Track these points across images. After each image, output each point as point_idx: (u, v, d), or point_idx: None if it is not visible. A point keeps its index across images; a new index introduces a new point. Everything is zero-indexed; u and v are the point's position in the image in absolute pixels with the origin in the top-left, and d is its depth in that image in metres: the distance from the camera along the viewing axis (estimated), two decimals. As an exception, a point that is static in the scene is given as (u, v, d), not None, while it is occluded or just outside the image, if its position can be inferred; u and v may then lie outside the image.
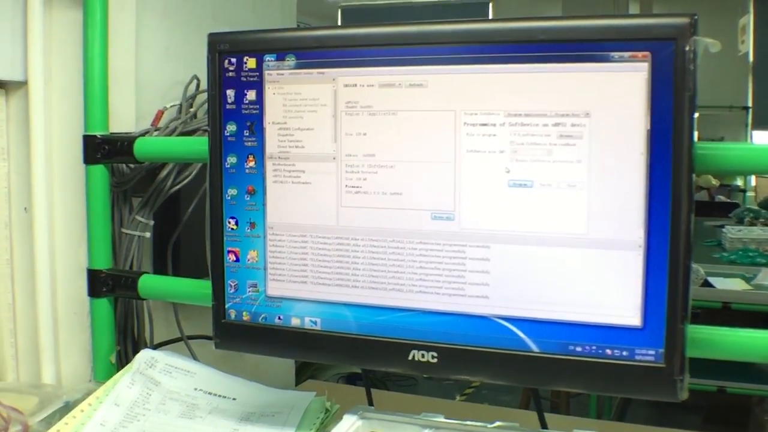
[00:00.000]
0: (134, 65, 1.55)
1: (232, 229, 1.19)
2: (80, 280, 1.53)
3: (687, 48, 0.93)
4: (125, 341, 1.56)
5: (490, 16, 10.45)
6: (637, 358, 1.00)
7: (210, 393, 1.35)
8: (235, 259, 1.20)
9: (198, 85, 1.62)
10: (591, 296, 1.01)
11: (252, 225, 1.18)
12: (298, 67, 1.13)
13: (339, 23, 11.16)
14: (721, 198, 8.09)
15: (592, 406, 3.93)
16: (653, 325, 0.99)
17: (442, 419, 1.21)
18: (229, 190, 1.18)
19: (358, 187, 1.11)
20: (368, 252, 1.12)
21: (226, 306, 1.21)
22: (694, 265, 3.05)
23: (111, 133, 1.49)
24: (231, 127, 1.17)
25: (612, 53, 0.97)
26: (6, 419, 1.26)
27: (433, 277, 1.09)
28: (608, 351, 1.01)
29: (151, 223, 1.53)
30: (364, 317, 1.13)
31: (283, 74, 1.14)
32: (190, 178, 1.51)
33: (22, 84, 1.52)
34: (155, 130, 1.53)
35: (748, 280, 3.53)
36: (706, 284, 3.42)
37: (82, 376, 1.57)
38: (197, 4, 1.72)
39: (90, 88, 1.48)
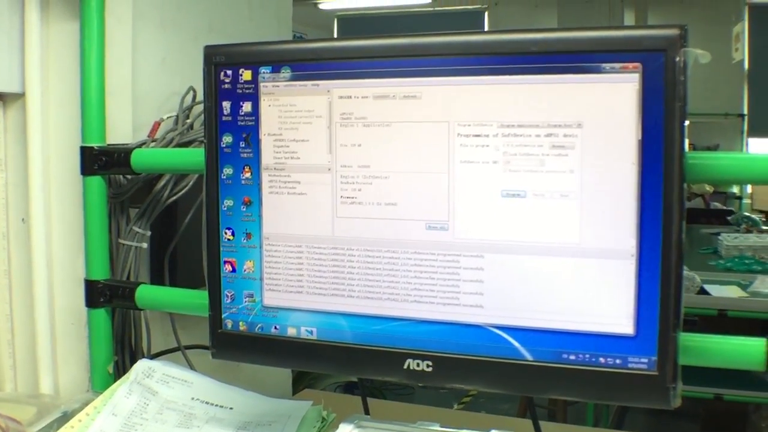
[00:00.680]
0: (131, 76, 1.56)
1: (229, 239, 1.20)
2: (78, 291, 1.53)
3: (677, 59, 0.94)
4: (123, 351, 1.56)
5: (486, 25, 10.50)
6: (630, 366, 1.01)
7: (207, 402, 1.36)
8: (231, 269, 1.20)
9: (194, 96, 1.63)
10: (584, 305, 1.02)
11: (248, 235, 1.19)
12: (293, 79, 1.14)
13: (335, 32, 11.19)
14: (717, 205, 8.09)
15: (590, 414, 3.93)
16: (646, 334, 0.99)
17: (437, 428, 1.22)
18: (225, 201, 1.19)
19: (353, 197, 1.12)
20: (363, 262, 1.13)
21: (223, 316, 1.22)
22: (690, 273, 3.06)
23: (108, 145, 1.49)
24: (227, 139, 1.18)
25: (603, 64, 0.98)
26: (4, 429, 1.27)
27: (427, 286, 1.10)
28: (601, 359, 1.02)
29: (148, 233, 1.54)
30: (359, 327, 1.14)
31: (278, 86, 1.15)
32: (186, 189, 1.52)
33: (20, 95, 1.53)
34: (152, 142, 1.53)
35: (744, 287, 3.53)
36: (702, 292, 3.42)
37: (79, 386, 1.57)
38: (194, 16, 1.73)
39: (87, 100, 1.49)
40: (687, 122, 0.96)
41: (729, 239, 4.34)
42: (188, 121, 1.60)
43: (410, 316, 1.11)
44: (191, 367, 1.50)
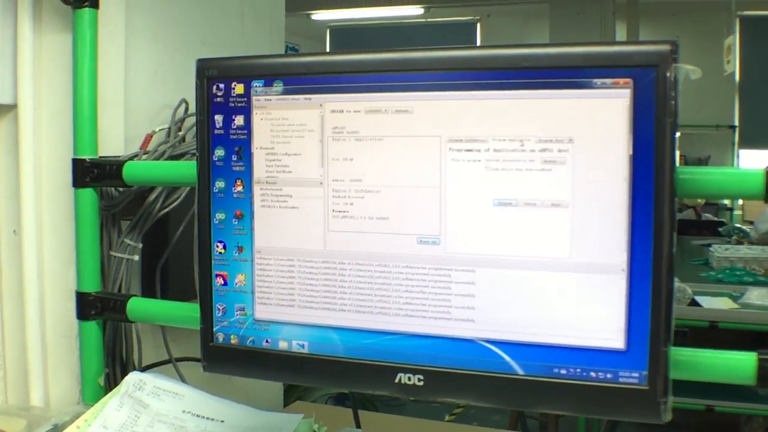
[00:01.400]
0: (123, 89, 1.56)
1: (220, 252, 1.20)
2: (69, 303, 1.53)
3: (668, 74, 0.95)
4: (114, 364, 1.56)
5: (478, 36, 10.52)
6: (621, 380, 1.01)
7: (198, 415, 1.35)
8: (223, 282, 1.20)
9: (187, 109, 1.63)
10: (575, 319, 1.02)
11: (240, 249, 1.19)
12: (286, 92, 1.14)
13: (328, 43, 11.21)
14: (708, 216, 8.12)
15: (581, 426, 3.93)
16: (637, 348, 1.00)
17: (428, 441, 1.22)
18: (217, 215, 1.19)
19: (344, 211, 1.12)
20: (355, 276, 1.13)
21: (214, 329, 1.22)
22: (682, 284, 3.07)
23: (100, 157, 1.49)
24: (219, 152, 1.18)
25: (594, 80, 0.98)
26: (-6, 442, 1.27)
27: (419, 300, 1.10)
28: (592, 374, 1.02)
29: (140, 246, 1.54)
30: (351, 340, 1.14)
31: (270, 100, 1.15)
32: (178, 201, 1.52)
33: (12, 107, 1.53)
34: (144, 154, 1.53)
35: (735, 299, 3.54)
36: (694, 303, 3.43)
37: (70, 398, 1.57)
38: (186, 28, 1.73)
39: (79, 112, 1.48)
40: (678, 134, 0.96)
41: (720, 251, 4.36)
42: (180, 133, 1.60)
43: (402, 330, 1.11)
44: (182, 380, 1.50)
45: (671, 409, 1.00)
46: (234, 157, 1.18)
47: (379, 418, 2.03)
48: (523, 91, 1.02)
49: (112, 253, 1.52)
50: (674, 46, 0.95)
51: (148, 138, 1.58)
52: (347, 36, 11.32)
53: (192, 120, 1.57)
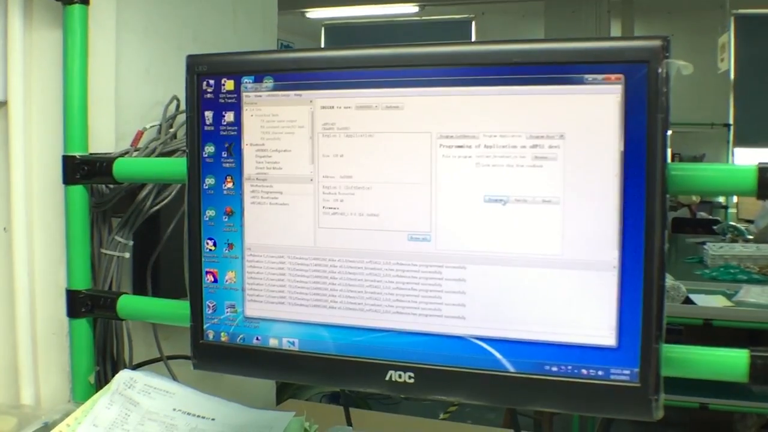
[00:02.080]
0: (114, 86, 1.55)
1: (210, 250, 1.19)
2: (59, 301, 1.52)
3: (660, 70, 0.94)
4: (104, 361, 1.55)
5: (473, 34, 10.53)
6: (613, 377, 1.01)
7: (189, 413, 1.35)
8: (213, 279, 1.20)
9: (178, 106, 1.63)
10: (566, 316, 1.02)
11: (230, 246, 1.18)
12: (276, 89, 1.14)
13: (322, 41, 11.21)
14: (703, 215, 8.13)
15: (575, 424, 3.93)
16: (628, 345, 0.99)
17: (420, 439, 1.21)
18: (207, 211, 1.19)
19: (335, 208, 1.12)
20: (345, 273, 1.12)
21: (204, 327, 1.21)
22: (676, 282, 3.07)
23: (90, 154, 1.49)
24: (209, 149, 1.18)
25: (586, 76, 0.98)
26: (-17, 441, 1.26)
27: (409, 297, 1.09)
28: (584, 371, 1.02)
29: (131, 243, 1.53)
30: (341, 338, 1.14)
31: (260, 96, 1.15)
32: (169, 198, 1.51)
33: (2, 104, 1.52)
34: (135, 151, 1.53)
35: (729, 296, 3.54)
36: (688, 301, 3.43)
37: (60, 396, 1.56)
38: (177, 25, 1.72)
39: (69, 109, 1.48)
40: (670, 132, 0.96)
41: (715, 249, 4.36)
42: (171, 130, 1.60)
43: (392, 328, 1.10)
44: (174, 378, 1.49)
45: (663, 406, 0.99)
46: (224, 154, 1.17)
47: (371, 416, 2.03)
48: (514, 87, 1.02)
49: (103, 250, 1.52)
50: (665, 42, 0.95)
51: (139, 135, 1.57)
52: (342, 34, 11.32)
53: (183, 117, 1.56)
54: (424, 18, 10.60)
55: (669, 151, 0.97)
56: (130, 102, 1.59)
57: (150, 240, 1.56)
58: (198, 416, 1.34)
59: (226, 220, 1.18)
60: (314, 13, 10.47)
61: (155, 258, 1.56)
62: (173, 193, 1.51)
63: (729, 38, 7.77)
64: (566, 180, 1.00)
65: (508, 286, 1.04)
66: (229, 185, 1.17)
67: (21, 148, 1.51)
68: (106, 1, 1.53)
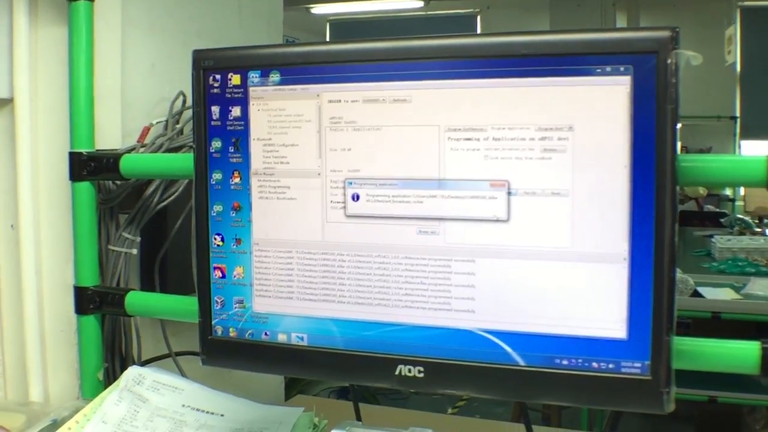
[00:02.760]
0: (120, 81, 1.55)
1: (218, 245, 1.19)
2: (67, 298, 1.52)
3: (669, 61, 0.94)
4: (113, 358, 1.55)
5: (478, 29, 10.52)
6: (623, 370, 1.00)
7: (198, 409, 1.35)
8: (221, 275, 1.20)
9: (184, 101, 1.62)
10: (576, 309, 1.01)
11: (238, 241, 1.18)
12: (283, 83, 1.13)
13: (327, 37, 11.20)
14: (710, 208, 8.11)
15: (584, 418, 3.93)
16: (639, 338, 0.99)
17: (429, 433, 1.21)
18: (214, 207, 1.18)
19: (343, 202, 1.11)
20: (354, 267, 1.12)
21: (213, 322, 1.21)
22: (684, 275, 3.05)
23: (97, 150, 1.48)
24: (216, 144, 1.17)
25: (594, 67, 0.97)
26: (-7, 438, 1.26)
27: (418, 291, 1.09)
28: (594, 364, 1.01)
29: (138, 239, 1.53)
30: (350, 332, 1.13)
31: (267, 90, 1.14)
32: (176, 194, 1.51)
33: (8, 101, 1.52)
34: (141, 147, 1.52)
35: (737, 289, 3.54)
36: (696, 294, 3.43)
37: (69, 393, 1.56)
38: (183, 21, 1.72)
39: (75, 105, 1.47)
40: (679, 125, 0.95)
41: (722, 241, 4.35)
42: (178, 126, 1.59)
43: (401, 322, 1.10)
44: (182, 374, 1.49)
45: (674, 399, 0.99)
46: (231, 149, 1.17)
47: (380, 411, 2.03)
48: (522, 78, 1.01)
49: (111, 247, 1.52)
50: (674, 33, 0.94)
51: (146, 131, 1.57)
52: (347, 30, 11.30)
53: (190, 113, 1.56)
54: (429, 13, 10.60)
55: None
56: (136, 98, 1.59)
57: (157, 236, 1.56)
58: (207, 412, 1.34)
59: (234, 215, 1.18)
60: (319, 9, 10.47)
61: (163, 254, 1.56)
62: (180, 189, 1.51)
63: (735, 31, 7.75)
64: (575, 172, 0.99)
65: (518, 280, 1.04)
66: (237, 180, 1.17)
67: (27, 145, 1.51)
68: (111, -3, 1.53)
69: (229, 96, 1.16)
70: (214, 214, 1.18)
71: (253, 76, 1.15)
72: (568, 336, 1.02)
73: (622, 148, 0.97)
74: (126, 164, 1.43)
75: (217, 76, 1.17)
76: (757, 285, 3.55)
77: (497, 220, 1.03)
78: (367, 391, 3.58)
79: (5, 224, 1.55)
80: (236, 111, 1.16)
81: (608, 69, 0.97)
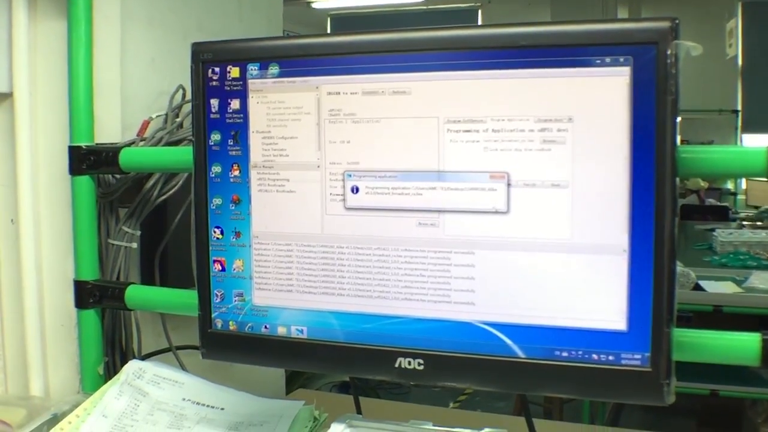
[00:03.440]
0: (119, 75, 1.54)
1: (218, 238, 1.19)
2: (67, 292, 1.52)
3: (668, 52, 0.93)
4: (113, 352, 1.55)
5: (479, 22, 10.51)
6: (623, 362, 1.00)
7: (198, 403, 1.35)
8: (220, 268, 1.19)
9: (184, 95, 1.62)
10: (576, 301, 1.01)
11: (237, 234, 1.18)
12: (281, 75, 1.13)
13: (329, 31, 11.19)
14: (712, 201, 8.11)
15: (585, 412, 3.92)
16: (639, 329, 0.98)
17: (429, 426, 1.21)
18: (213, 200, 1.18)
19: (342, 194, 1.11)
20: (353, 260, 1.12)
21: (212, 315, 1.21)
22: (686, 269, 3.05)
23: (96, 144, 1.48)
24: (215, 137, 1.17)
25: (594, 58, 0.97)
26: (-7, 432, 1.26)
27: (418, 284, 1.08)
28: (594, 356, 1.01)
29: (138, 233, 1.53)
30: (350, 325, 1.13)
31: (266, 83, 1.14)
32: (176, 188, 1.51)
33: (7, 96, 1.52)
34: (141, 140, 1.52)
35: (739, 283, 3.53)
36: (698, 288, 3.43)
37: (70, 387, 1.56)
38: (183, 14, 1.71)
39: (75, 99, 1.47)
40: (680, 119, 0.95)
41: (724, 235, 4.35)
42: (177, 119, 1.59)
43: (401, 314, 1.10)
44: (183, 368, 1.49)
45: (675, 392, 0.98)
46: (230, 142, 1.16)
47: (381, 405, 2.03)
48: (522, 70, 1.01)
49: (110, 240, 1.52)
50: (674, 23, 0.94)
51: (145, 124, 1.56)
52: (348, 24, 11.31)
53: (189, 106, 1.56)
54: (430, 7, 10.59)
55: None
56: (135, 92, 1.58)
57: (157, 230, 1.56)
58: (207, 406, 1.34)
59: (233, 208, 1.18)
60: (320, 4, 10.46)
61: (163, 248, 1.56)
62: (180, 183, 1.51)
63: (736, 24, 7.74)
64: (575, 163, 0.99)
65: (518, 271, 1.03)
66: (236, 173, 1.17)
67: (27, 140, 1.51)
68: (110, -9, 1.53)
69: (228, 89, 1.16)
70: (214, 207, 1.18)
71: (252, 69, 1.15)
72: (568, 328, 1.02)
73: (622, 139, 0.96)
74: (125, 158, 1.43)
75: (216, 69, 1.16)
76: (758, 278, 3.54)
77: (497, 212, 1.03)
78: (368, 385, 3.58)
79: (5, 219, 1.55)
80: (235, 104, 1.16)
81: (608, 60, 0.96)
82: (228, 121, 1.16)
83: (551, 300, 1.02)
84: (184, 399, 1.35)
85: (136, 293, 1.47)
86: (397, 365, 1.10)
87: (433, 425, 1.21)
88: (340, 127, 1.10)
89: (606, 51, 0.97)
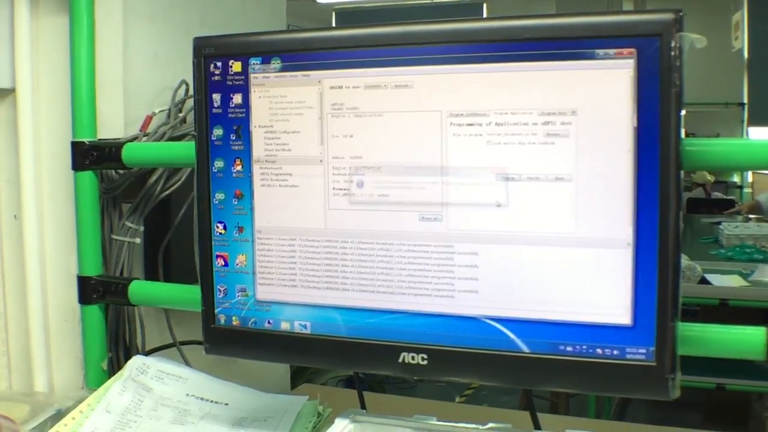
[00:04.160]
0: (122, 71, 1.54)
1: (221, 233, 1.19)
2: (71, 287, 1.52)
3: (673, 44, 0.93)
4: (117, 348, 1.55)
5: (485, 16, 10.48)
6: (628, 357, 0.99)
7: (202, 398, 1.34)
8: (223, 263, 1.19)
9: (187, 90, 1.61)
10: (580, 295, 1.01)
11: (240, 229, 1.18)
12: (284, 69, 1.13)
13: (333, 26, 11.17)
14: (718, 195, 8.09)
15: (591, 406, 3.92)
16: (643, 324, 0.98)
17: (434, 421, 1.20)
18: (216, 195, 1.18)
19: (345, 189, 1.11)
20: (357, 254, 1.11)
21: (216, 311, 1.20)
22: (692, 262, 3.05)
23: (99, 139, 1.48)
24: (218, 132, 1.17)
25: (597, 50, 0.96)
26: (-2, 428, 1.26)
27: (422, 278, 1.08)
28: (599, 350, 1.01)
29: (141, 228, 1.52)
30: (353, 320, 1.13)
31: (268, 77, 1.13)
32: (179, 183, 1.50)
33: (10, 91, 1.52)
34: (144, 136, 1.52)
35: (745, 276, 3.53)
36: (704, 281, 3.42)
37: (73, 383, 1.56)
38: (185, 9, 1.71)
39: (77, 95, 1.47)
40: (685, 112, 0.94)
41: (730, 228, 4.34)
42: (180, 114, 1.59)
43: (405, 309, 1.09)
44: (186, 363, 1.48)
45: (680, 386, 0.98)
46: (233, 136, 1.16)
47: (386, 400, 2.02)
48: (525, 63, 1.00)
49: (114, 236, 1.51)
50: (678, 15, 0.93)
51: (148, 119, 1.56)
52: (353, 19, 11.27)
53: (192, 101, 1.55)
54: (435, 1, 10.56)
55: (683, 130, 0.96)
56: (138, 87, 1.58)
57: (161, 225, 1.55)
58: (211, 401, 1.34)
59: (236, 203, 1.17)
60: (325, -2, 10.44)
61: (166, 243, 1.56)
62: (183, 178, 1.50)
63: (742, 16, 7.71)
64: (579, 157, 0.98)
65: (521, 266, 1.03)
66: (239, 168, 1.16)
67: (30, 135, 1.51)
68: (112, -15, 1.53)
69: (231, 83, 1.16)
70: (216, 202, 1.18)
71: (254, 63, 1.14)
72: (572, 322, 1.01)
73: (626, 131, 0.96)
74: (128, 153, 1.43)
75: (218, 64, 1.16)
76: (765, 272, 3.54)
77: (500, 206, 1.03)
78: (373, 379, 3.58)
79: (8, 215, 1.55)
80: (237, 98, 1.15)
81: (611, 52, 0.96)
82: (230, 115, 1.16)
83: (555, 294, 1.02)
84: (187, 394, 1.35)
85: (140, 289, 1.46)
86: (400, 360, 1.09)
87: (437, 420, 1.20)
88: (343, 122, 1.10)
89: (610, 43, 0.96)
